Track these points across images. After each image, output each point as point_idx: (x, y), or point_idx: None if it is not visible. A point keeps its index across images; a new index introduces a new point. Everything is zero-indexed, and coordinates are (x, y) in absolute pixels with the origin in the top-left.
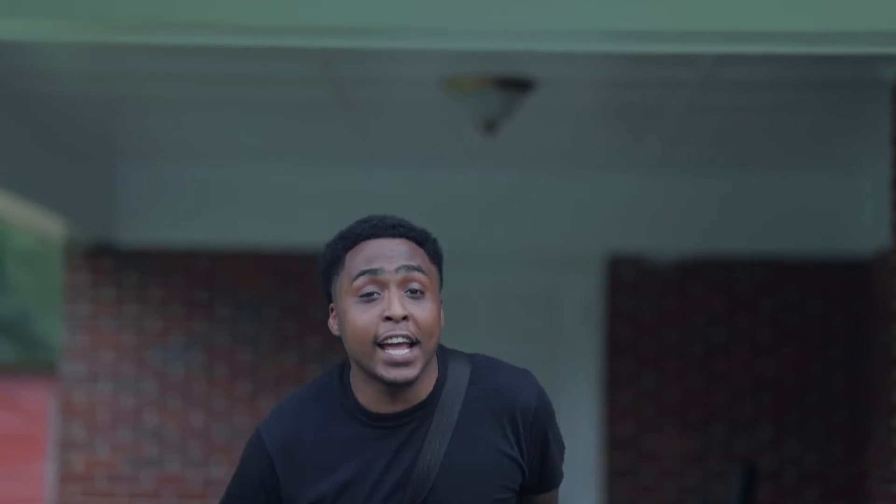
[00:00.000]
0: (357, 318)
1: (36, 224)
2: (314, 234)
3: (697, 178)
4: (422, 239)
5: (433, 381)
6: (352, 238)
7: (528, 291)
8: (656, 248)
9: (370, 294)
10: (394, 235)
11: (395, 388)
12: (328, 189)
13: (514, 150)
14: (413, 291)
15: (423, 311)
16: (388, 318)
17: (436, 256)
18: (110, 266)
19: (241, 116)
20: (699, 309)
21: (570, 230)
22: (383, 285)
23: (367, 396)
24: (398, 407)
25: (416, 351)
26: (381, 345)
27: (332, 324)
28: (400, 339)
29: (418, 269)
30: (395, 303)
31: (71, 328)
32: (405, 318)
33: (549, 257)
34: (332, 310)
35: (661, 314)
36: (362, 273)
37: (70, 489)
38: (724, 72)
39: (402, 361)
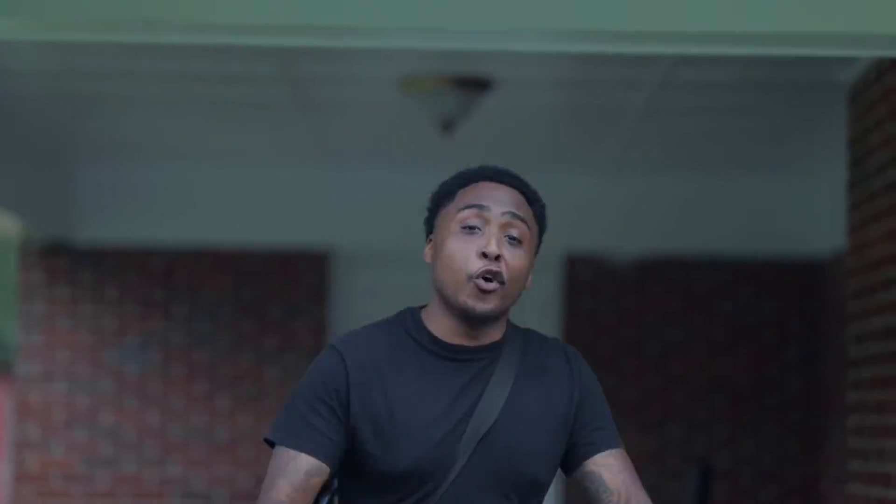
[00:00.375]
0: (455, 248)
1: None
2: (271, 233)
3: (655, 179)
4: (533, 198)
5: (503, 332)
6: (468, 176)
7: None
8: (614, 247)
9: (472, 227)
10: (508, 184)
11: (473, 321)
12: (286, 189)
13: (472, 149)
14: (512, 238)
15: (516, 258)
16: (484, 255)
17: (540, 219)
18: (66, 265)
19: (200, 116)
20: (656, 309)
21: None
22: (486, 222)
23: (442, 329)
24: (471, 343)
25: (500, 288)
26: (473, 277)
27: (427, 252)
28: (490, 277)
29: (522, 219)
30: (494, 241)
31: (26, 328)
32: (498, 257)
33: None
34: (430, 241)
35: (619, 314)
36: (470, 206)
37: (25, 489)
38: (683, 73)
39: (488, 290)
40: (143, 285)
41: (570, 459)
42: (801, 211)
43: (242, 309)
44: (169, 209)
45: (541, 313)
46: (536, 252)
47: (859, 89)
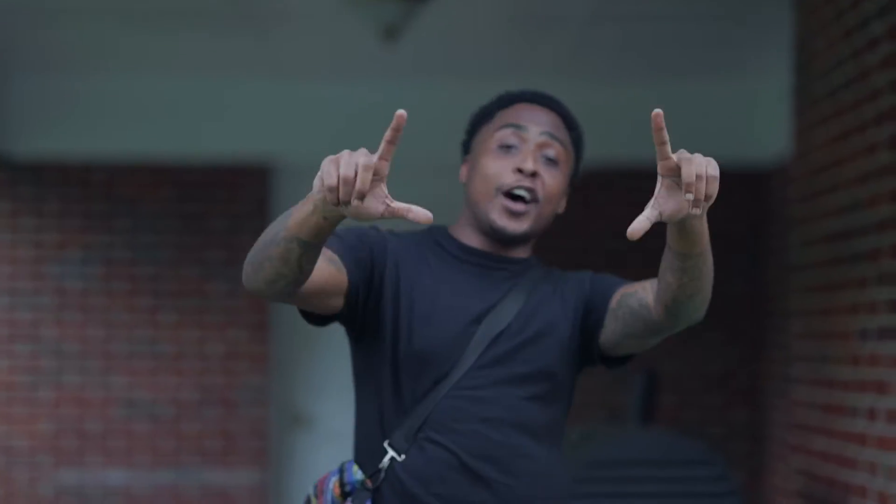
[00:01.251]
0: (490, 163)
1: None
2: (214, 145)
3: (600, 88)
4: (572, 124)
5: (528, 253)
6: (508, 98)
7: (434, 200)
8: None
9: (509, 146)
10: (548, 106)
11: (504, 241)
12: (228, 101)
13: (414, 60)
14: (549, 159)
15: (552, 178)
16: (520, 171)
17: (577, 144)
18: (4, 179)
19: (140, 26)
20: (600, 219)
21: None
22: (523, 141)
23: (469, 240)
24: (496, 252)
25: (532, 207)
26: (505, 193)
27: (462, 172)
28: (524, 192)
29: (560, 141)
30: (530, 158)
31: None
32: (534, 174)
33: (454, 166)
34: (466, 161)
35: (563, 224)
36: (508, 125)
37: None
38: None
39: (516, 212)
40: (84, 199)
41: (596, 318)
42: (747, 116)
43: (185, 221)
44: (109, 121)
45: None
46: (572, 180)
47: None
